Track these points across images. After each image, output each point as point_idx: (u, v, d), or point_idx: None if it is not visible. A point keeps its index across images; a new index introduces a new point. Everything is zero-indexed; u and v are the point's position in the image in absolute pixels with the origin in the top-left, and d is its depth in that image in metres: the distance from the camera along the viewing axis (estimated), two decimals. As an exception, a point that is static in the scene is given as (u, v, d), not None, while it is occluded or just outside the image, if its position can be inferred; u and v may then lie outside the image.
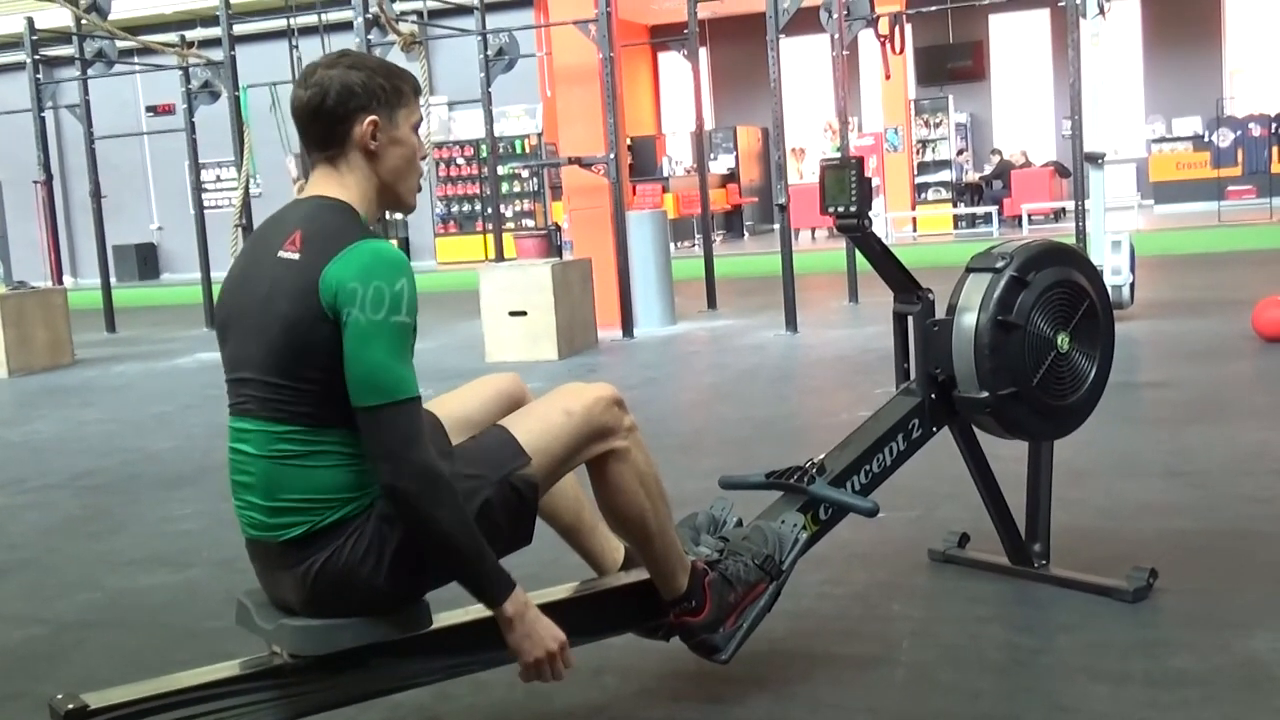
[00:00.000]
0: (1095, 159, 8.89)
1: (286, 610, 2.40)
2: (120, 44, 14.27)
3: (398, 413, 2.22)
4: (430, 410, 2.57)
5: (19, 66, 14.63)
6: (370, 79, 2.38)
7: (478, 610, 2.48)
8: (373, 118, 2.37)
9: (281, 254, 2.29)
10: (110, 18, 12.80)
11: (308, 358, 2.25)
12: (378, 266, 2.23)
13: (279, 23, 14.17)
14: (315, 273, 2.23)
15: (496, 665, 2.57)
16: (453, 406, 2.67)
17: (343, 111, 2.36)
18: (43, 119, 13.43)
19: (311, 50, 12.41)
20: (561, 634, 2.39)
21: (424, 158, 2.51)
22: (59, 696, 2.21)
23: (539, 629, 2.36)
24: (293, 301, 2.24)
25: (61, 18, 14.39)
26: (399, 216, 22.35)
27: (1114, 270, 8.47)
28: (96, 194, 13.94)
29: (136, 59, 17.93)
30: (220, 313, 2.44)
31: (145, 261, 24.66)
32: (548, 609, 2.58)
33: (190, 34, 15.90)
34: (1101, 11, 8.99)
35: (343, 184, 2.39)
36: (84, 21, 13.69)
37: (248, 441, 2.35)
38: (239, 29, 12.88)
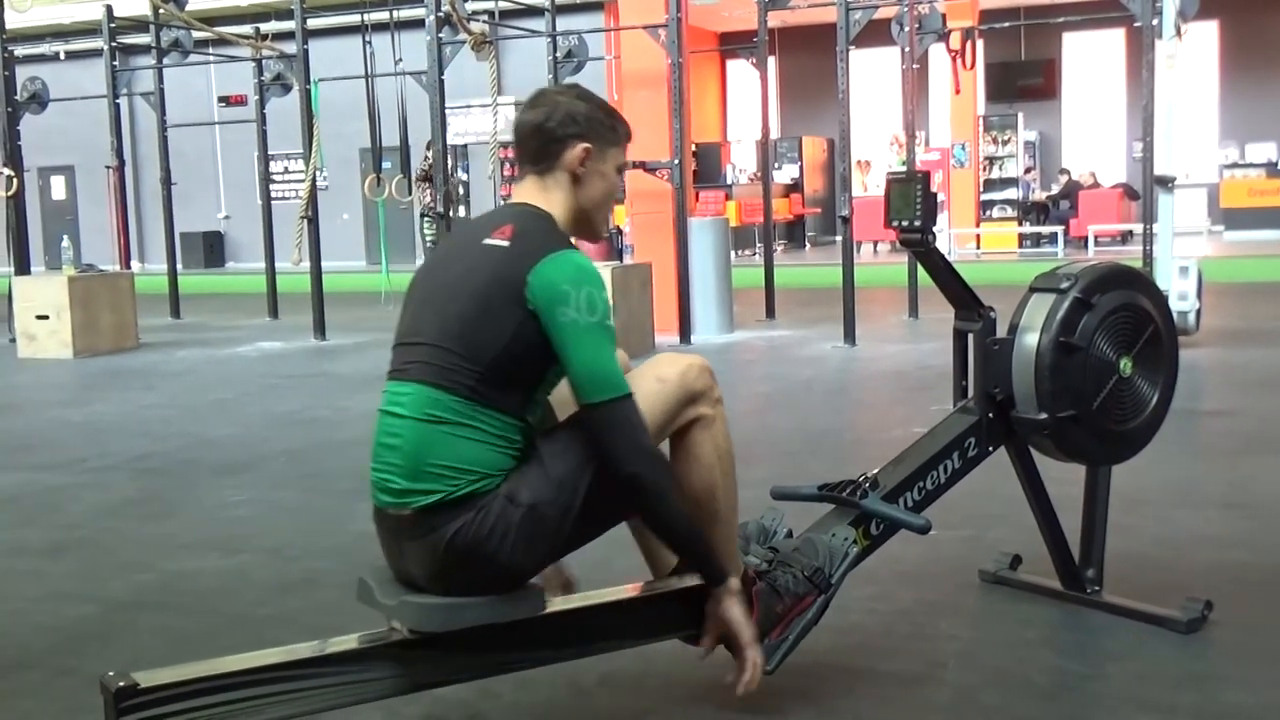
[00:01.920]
0: (1165, 182, 8.77)
1: (410, 586, 2.50)
2: (196, 34, 14.46)
3: (626, 406, 2.43)
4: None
5: (96, 54, 14.87)
6: (593, 113, 2.61)
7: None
8: (586, 145, 2.58)
9: (488, 240, 2.48)
10: (187, 8, 12.99)
11: (491, 335, 2.41)
12: (587, 276, 2.43)
13: (352, 18, 14.29)
14: (525, 265, 2.41)
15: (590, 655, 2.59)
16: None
17: (562, 134, 2.58)
18: (117, 106, 13.63)
19: (382, 46, 12.52)
20: None
21: (620, 201, 2.69)
22: (110, 674, 2.24)
23: (748, 630, 2.60)
24: (494, 281, 2.42)
25: (139, 7, 14.60)
26: (462, 213, 22.52)
27: (1180, 296, 8.35)
28: (167, 181, 14.14)
29: (211, 50, 18.13)
30: (412, 288, 2.62)
31: (211, 249, 24.99)
32: (594, 611, 2.59)
33: (264, 27, 16.12)
34: (1178, 33, 8.86)
35: (548, 199, 2.59)
36: (161, 11, 13.90)
37: (403, 404, 2.47)
38: (312, 23, 13.02)
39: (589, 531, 2.55)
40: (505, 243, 2.46)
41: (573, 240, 2.60)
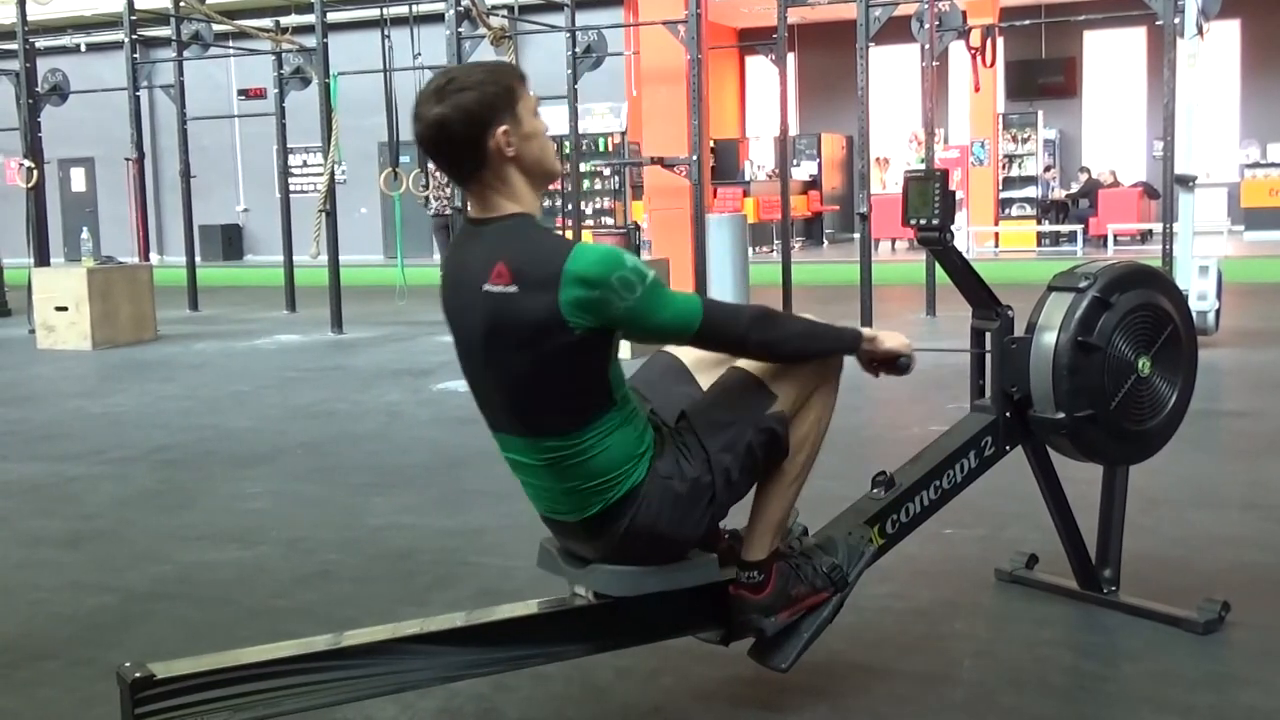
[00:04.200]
0: (1186, 181, 8.73)
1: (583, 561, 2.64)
2: (216, 27, 14.51)
3: (709, 318, 2.48)
4: (673, 354, 2.83)
5: (117, 46, 14.91)
6: (481, 93, 2.42)
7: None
8: (502, 128, 2.42)
9: (489, 288, 2.40)
10: (207, 1, 13.02)
11: (557, 376, 2.42)
12: (602, 263, 2.36)
13: (372, 12, 14.32)
14: (548, 299, 2.35)
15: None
16: (689, 352, 2.81)
17: (473, 134, 2.41)
18: (137, 98, 13.66)
19: (402, 41, 12.54)
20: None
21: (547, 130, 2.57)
22: (126, 665, 2.24)
23: (889, 335, 2.78)
24: (526, 335, 2.38)
25: (160, 0, 14.67)
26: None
27: (1200, 295, 8.31)
28: (186, 174, 14.18)
29: (231, 43, 18.22)
30: (450, 322, 2.56)
31: (230, 242, 25.05)
32: (609, 607, 2.59)
33: (285, 20, 16.15)
34: (1200, 32, 8.82)
35: (506, 195, 2.47)
36: (182, 4, 13.94)
37: (517, 451, 2.56)
38: (332, 17, 13.02)
39: (740, 489, 2.64)
40: (511, 289, 2.38)
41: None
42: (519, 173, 2.47)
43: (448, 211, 12.59)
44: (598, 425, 2.47)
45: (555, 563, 2.69)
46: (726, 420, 2.59)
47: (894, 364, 2.78)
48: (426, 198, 13.12)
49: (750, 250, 12.04)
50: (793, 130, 21.01)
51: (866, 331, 2.75)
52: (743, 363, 2.66)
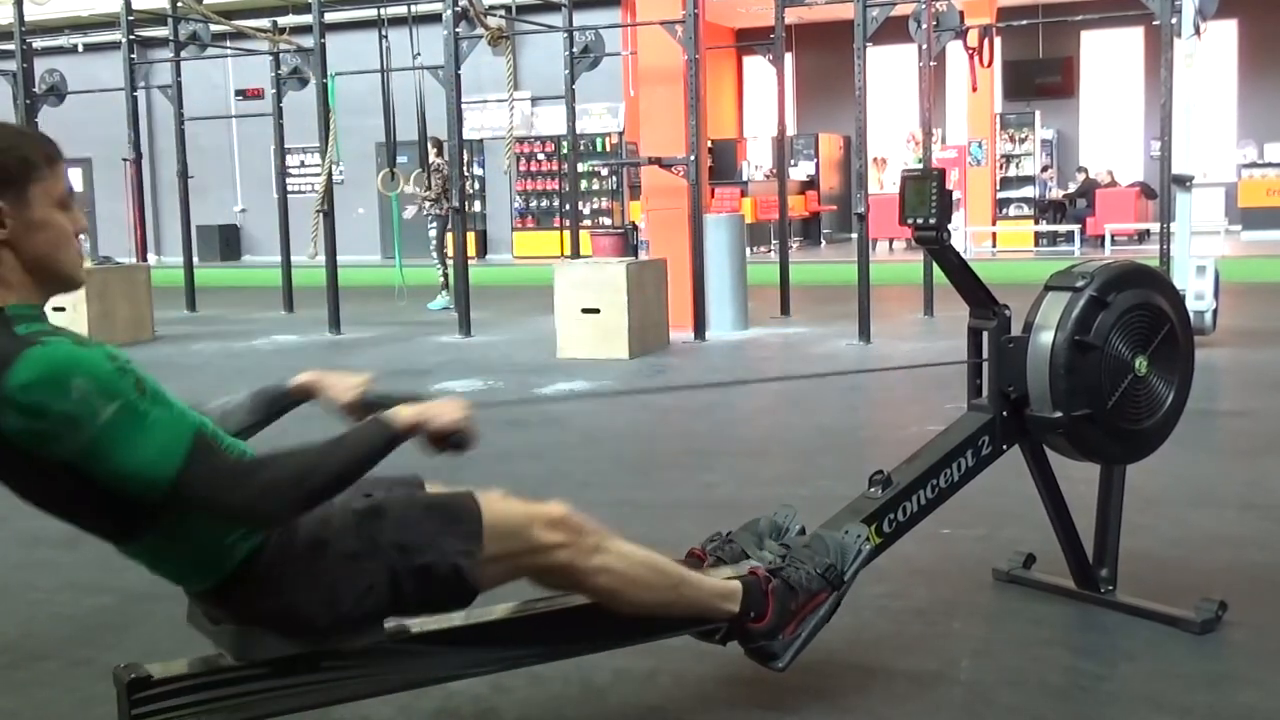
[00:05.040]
0: (1183, 181, 8.73)
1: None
2: (213, 28, 14.51)
3: (188, 480, 1.98)
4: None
5: (114, 46, 14.90)
6: None
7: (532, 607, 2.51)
8: None
9: None
10: (204, 1, 13.01)
11: (56, 502, 2.09)
12: (54, 373, 1.88)
13: (370, 13, 14.32)
14: None
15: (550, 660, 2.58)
16: None
17: None
18: (135, 99, 13.66)
19: (400, 41, 12.54)
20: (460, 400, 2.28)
21: (79, 233, 2.10)
22: (122, 666, 2.24)
23: (437, 406, 2.23)
24: None
25: (158, 0, 14.67)
26: (477, 208, 22.55)
27: (1197, 295, 8.32)
28: (183, 174, 14.18)
29: (228, 43, 18.19)
30: None
31: (228, 242, 25.03)
32: (603, 609, 2.59)
33: (282, 20, 16.14)
34: (1197, 32, 8.83)
35: None
36: (179, 4, 13.94)
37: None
38: (330, 17, 13.02)
39: (402, 602, 2.30)
40: None
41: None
42: (12, 265, 2.00)
43: (443, 212, 12.60)
44: (161, 524, 2.10)
45: (198, 619, 2.41)
46: (426, 529, 2.27)
47: (446, 440, 2.25)
48: (423, 203, 13.12)
49: (748, 250, 12.04)
50: (790, 130, 21.00)
51: (403, 413, 2.20)
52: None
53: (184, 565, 2.21)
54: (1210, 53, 19.23)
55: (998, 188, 21.96)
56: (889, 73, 22.08)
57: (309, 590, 2.21)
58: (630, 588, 2.48)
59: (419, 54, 11.92)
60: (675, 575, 2.60)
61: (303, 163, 21.54)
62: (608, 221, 20.91)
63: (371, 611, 2.27)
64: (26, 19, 13.24)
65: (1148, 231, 19.43)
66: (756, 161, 23.77)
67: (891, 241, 21.19)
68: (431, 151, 12.81)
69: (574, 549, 2.39)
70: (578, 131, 12.51)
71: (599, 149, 21.24)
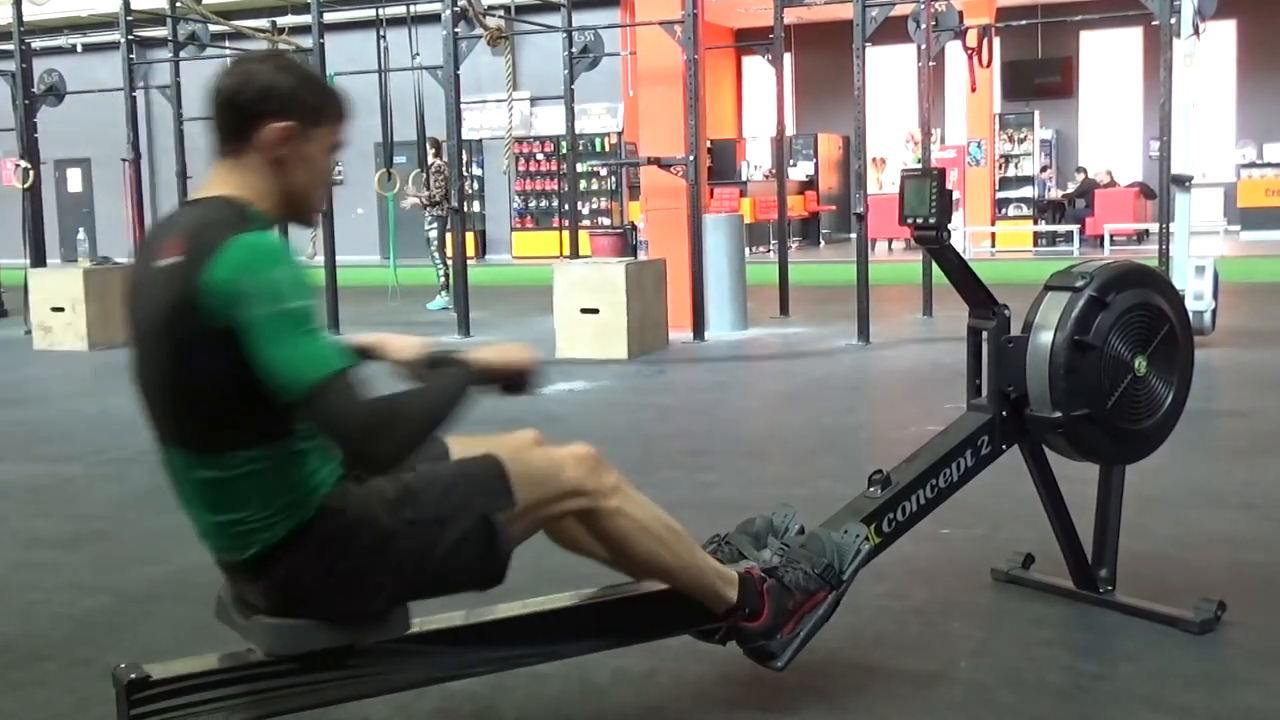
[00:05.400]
0: (1182, 181, 8.73)
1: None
2: (212, 28, 14.50)
3: (321, 396, 2.05)
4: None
5: (113, 46, 14.89)
6: (298, 87, 2.25)
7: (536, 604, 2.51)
8: (287, 123, 2.23)
9: (159, 263, 2.14)
10: (203, 1, 13.01)
11: (193, 377, 2.14)
12: (264, 256, 2.08)
13: (368, 13, 14.32)
14: (194, 277, 2.08)
15: (549, 660, 2.58)
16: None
17: (256, 110, 2.22)
18: (134, 99, 13.63)
19: (399, 41, 12.53)
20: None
21: (330, 186, 2.36)
22: (122, 666, 2.24)
23: (509, 348, 2.41)
24: (174, 318, 2.11)
25: (156, 0, 14.66)
26: (476, 208, 22.55)
27: (1196, 295, 8.32)
28: (183, 174, 14.15)
29: (227, 43, 18.17)
30: (128, 329, 2.27)
31: (226, 243, 25.05)
32: (602, 609, 2.59)
33: (281, 20, 16.15)
34: (1196, 32, 8.83)
35: (241, 184, 2.24)
36: (178, 4, 13.93)
37: (173, 469, 2.31)
38: (329, 17, 13.02)
39: (432, 575, 2.37)
40: (177, 258, 2.10)
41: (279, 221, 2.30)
42: (273, 182, 2.26)
43: (444, 212, 12.60)
44: (253, 449, 2.18)
45: (228, 614, 2.40)
46: (447, 506, 2.34)
47: (514, 382, 2.38)
48: (423, 203, 13.13)
49: (747, 250, 12.03)
50: (789, 130, 21.02)
51: (480, 353, 2.38)
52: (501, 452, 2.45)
53: (251, 510, 2.22)
54: (1209, 53, 19.23)
55: (997, 188, 21.98)
56: (888, 73, 22.08)
57: (348, 565, 2.26)
58: (644, 536, 2.55)
59: (418, 54, 11.92)
60: (686, 537, 2.64)
61: (302, 163, 21.51)
62: (607, 222, 20.93)
63: (408, 590, 2.34)
64: (25, 19, 13.23)
65: (1147, 232, 19.43)
66: (755, 161, 23.79)
67: (891, 241, 21.20)
68: (430, 152, 12.81)
69: (596, 490, 2.49)
70: (577, 132, 12.50)
71: (598, 149, 21.25)
